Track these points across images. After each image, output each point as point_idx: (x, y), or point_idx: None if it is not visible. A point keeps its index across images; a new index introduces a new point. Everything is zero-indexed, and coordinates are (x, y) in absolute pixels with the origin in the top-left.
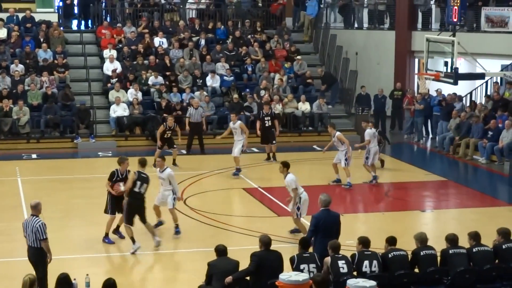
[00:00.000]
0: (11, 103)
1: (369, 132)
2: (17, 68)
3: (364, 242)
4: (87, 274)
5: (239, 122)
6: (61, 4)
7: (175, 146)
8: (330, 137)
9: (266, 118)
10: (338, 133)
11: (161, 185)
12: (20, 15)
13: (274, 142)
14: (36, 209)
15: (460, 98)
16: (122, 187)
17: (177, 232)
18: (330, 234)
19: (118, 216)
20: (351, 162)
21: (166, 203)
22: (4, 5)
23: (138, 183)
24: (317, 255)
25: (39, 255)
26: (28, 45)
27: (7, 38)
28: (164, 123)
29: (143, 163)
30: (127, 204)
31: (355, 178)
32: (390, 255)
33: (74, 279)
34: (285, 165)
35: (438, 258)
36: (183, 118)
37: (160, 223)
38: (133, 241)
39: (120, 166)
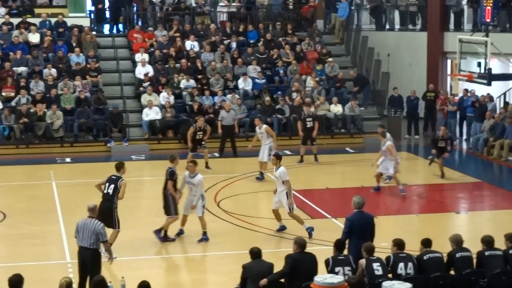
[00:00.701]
0: (45, 107)
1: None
2: (50, 72)
3: (399, 244)
4: (122, 277)
5: (264, 126)
6: (93, 8)
7: (203, 143)
8: (362, 139)
9: (308, 119)
10: (389, 142)
11: (190, 190)
12: (53, 20)
13: (314, 143)
14: (93, 211)
15: (491, 99)
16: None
17: (204, 239)
18: (364, 236)
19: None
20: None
21: (190, 211)
22: (37, 10)
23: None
24: (351, 257)
25: (96, 257)
26: (61, 49)
27: (40, 43)
28: (194, 124)
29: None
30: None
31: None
32: (425, 257)
33: (110, 282)
34: (278, 157)
35: (474, 260)
36: (215, 121)
37: (181, 232)
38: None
39: (173, 163)
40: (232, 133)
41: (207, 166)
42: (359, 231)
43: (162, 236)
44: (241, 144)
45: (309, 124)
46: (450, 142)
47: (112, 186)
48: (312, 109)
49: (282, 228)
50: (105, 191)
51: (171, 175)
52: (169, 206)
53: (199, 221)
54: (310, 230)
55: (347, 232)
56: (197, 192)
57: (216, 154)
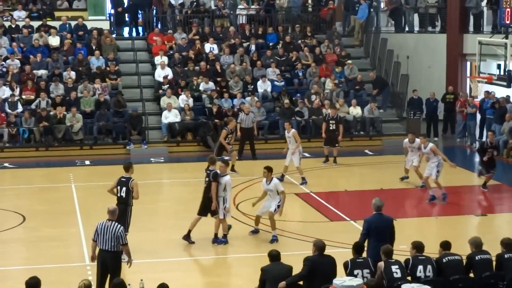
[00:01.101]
0: (65, 110)
1: (434, 146)
2: (70, 75)
3: (418, 246)
4: (141, 280)
5: (293, 130)
6: (112, 11)
7: (231, 146)
8: (381, 141)
9: (331, 122)
10: (431, 144)
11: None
12: (73, 23)
13: (337, 145)
14: (113, 214)
15: (507, 100)
16: None
17: (223, 242)
18: (383, 238)
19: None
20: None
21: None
22: (57, 14)
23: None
24: (370, 260)
25: (117, 259)
26: (81, 52)
27: (60, 46)
28: (226, 127)
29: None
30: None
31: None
32: (444, 260)
33: (129, 284)
34: (269, 170)
35: (494, 263)
36: None
37: (256, 231)
38: None
39: (213, 166)
40: (251, 135)
41: (233, 169)
42: (378, 233)
43: (213, 237)
44: (260, 146)
45: (331, 126)
46: (497, 150)
47: (124, 188)
48: (345, 109)
49: (256, 231)
50: (119, 195)
51: (215, 177)
52: (216, 208)
53: (214, 223)
54: (274, 238)
55: (365, 234)
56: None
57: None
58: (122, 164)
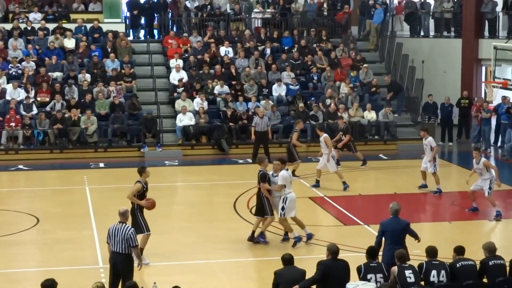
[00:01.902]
0: (79, 112)
1: (432, 139)
2: (85, 77)
3: (431, 251)
4: (155, 283)
5: (324, 135)
6: (128, 14)
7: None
8: (396, 146)
9: (340, 133)
10: (484, 159)
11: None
12: (88, 26)
13: (356, 151)
14: (124, 216)
15: None
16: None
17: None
18: (399, 242)
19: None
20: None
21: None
22: (73, 16)
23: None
24: (384, 264)
25: (129, 262)
26: (96, 54)
27: (76, 48)
28: (295, 128)
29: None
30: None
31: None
32: (458, 265)
33: (142, 287)
34: (283, 162)
35: (508, 268)
36: (248, 127)
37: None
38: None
39: (262, 165)
40: (265, 139)
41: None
42: (393, 237)
43: (257, 236)
44: (275, 150)
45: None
46: None
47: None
48: (346, 115)
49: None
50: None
51: (263, 178)
52: (265, 207)
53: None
54: (296, 239)
55: (379, 236)
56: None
57: (249, 160)
58: (137, 167)
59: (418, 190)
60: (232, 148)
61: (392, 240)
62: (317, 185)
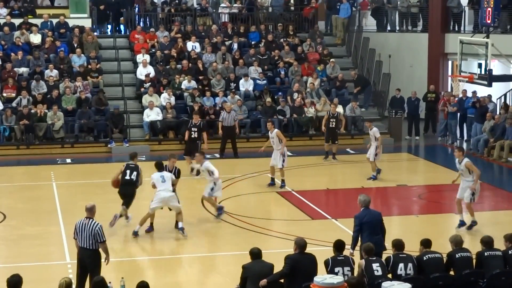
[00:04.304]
0: (46, 108)
1: (377, 130)
2: (52, 73)
3: (397, 245)
4: (122, 277)
5: (276, 130)
6: (94, 9)
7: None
8: (363, 140)
9: (331, 119)
10: (467, 159)
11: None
12: (54, 21)
13: (336, 142)
14: (91, 211)
15: (490, 98)
16: None
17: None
18: (375, 232)
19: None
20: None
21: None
22: (38, 11)
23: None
24: (351, 258)
25: (96, 257)
26: (62, 50)
27: (42, 43)
28: (190, 120)
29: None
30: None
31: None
32: (425, 258)
33: (109, 282)
34: (202, 154)
35: (474, 261)
36: (216, 122)
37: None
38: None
39: (169, 162)
40: (233, 134)
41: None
42: (369, 227)
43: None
44: (242, 145)
45: (332, 124)
46: None
47: (135, 173)
48: (312, 110)
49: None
50: (128, 178)
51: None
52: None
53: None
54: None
55: (358, 230)
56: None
57: (217, 155)
58: (128, 154)
59: (385, 184)
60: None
61: (370, 231)
62: (283, 185)
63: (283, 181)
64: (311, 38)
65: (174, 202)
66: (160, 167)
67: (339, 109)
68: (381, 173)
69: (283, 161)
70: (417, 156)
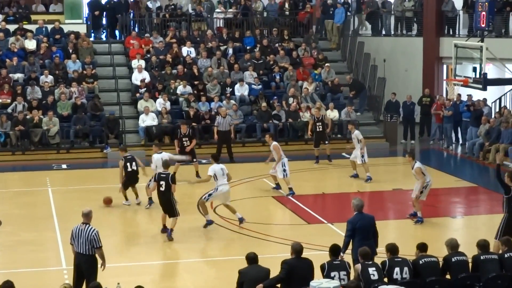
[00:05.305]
0: (41, 113)
1: (359, 132)
2: (47, 79)
3: (391, 249)
4: (118, 283)
5: (273, 144)
6: (89, 15)
7: (195, 160)
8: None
9: (317, 123)
10: (418, 164)
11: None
12: (49, 27)
13: (327, 142)
14: (88, 217)
15: (485, 102)
16: None
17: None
18: (367, 236)
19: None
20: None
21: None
22: (33, 17)
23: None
24: (347, 262)
25: (92, 263)
26: (57, 55)
27: (37, 49)
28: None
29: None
30: None
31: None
32: (421, 262)
33: None
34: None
35: (470, 264)
36: (211, 127)
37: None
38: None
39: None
40: (228, 139)
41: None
42: (362, 232)
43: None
44: (238, 150)
45: (318, 128)
46: None
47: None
48: (308, 114)
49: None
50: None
51: (173, 180)
52: (174, 209)
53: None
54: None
55: (350, 235)
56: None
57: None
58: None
59: (380, 188)
60: (195, 148)
61: (362, 236)
62: (292, 192)
63: (290, 189)
64: (306, 43)
65: (229, 198)
66: (216, 159)
67: (334, 113)
68: (375, 177)
69: (284, 170)
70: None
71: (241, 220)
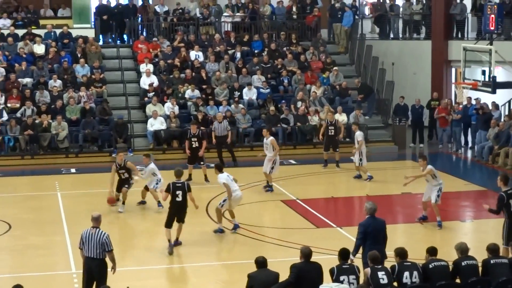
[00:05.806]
0: (50, 118)
1: (360, 134)
2: (56, 83)
3: (400, 253)
4: (128, 287)
5: (270, 138)
6: (97, 19)
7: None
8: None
9: (330, 127)
10: (430, 167)
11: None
12: (58, 31)
13: (337, 150)
14: (97, 221)
15: (496, 106)
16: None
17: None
18: (378, 241)
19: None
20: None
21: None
22: (42, 22)
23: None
24: (356, 266)
25: (103, 267)
26: (65, 60)
27: (45, 54)
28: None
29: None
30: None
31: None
32: (431, 266)
33: None
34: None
35: (480, 269)
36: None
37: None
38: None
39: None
40: (224, 143)
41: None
42: (373, 236)
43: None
44: (245, 154)
45: (331, 132)
46: None
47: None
48: (317, 118)
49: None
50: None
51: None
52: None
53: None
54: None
55: (362, 238)
56: None
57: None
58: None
59: (389, 192)
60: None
61: (373, 240)
62: (270, 189)
63: (270, 185)
64: (314, 47)
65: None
66: (220, 169)
67: (343, 117)
68: (383, 180)
69: (272, 168)
70: None
71: (235, 227)
